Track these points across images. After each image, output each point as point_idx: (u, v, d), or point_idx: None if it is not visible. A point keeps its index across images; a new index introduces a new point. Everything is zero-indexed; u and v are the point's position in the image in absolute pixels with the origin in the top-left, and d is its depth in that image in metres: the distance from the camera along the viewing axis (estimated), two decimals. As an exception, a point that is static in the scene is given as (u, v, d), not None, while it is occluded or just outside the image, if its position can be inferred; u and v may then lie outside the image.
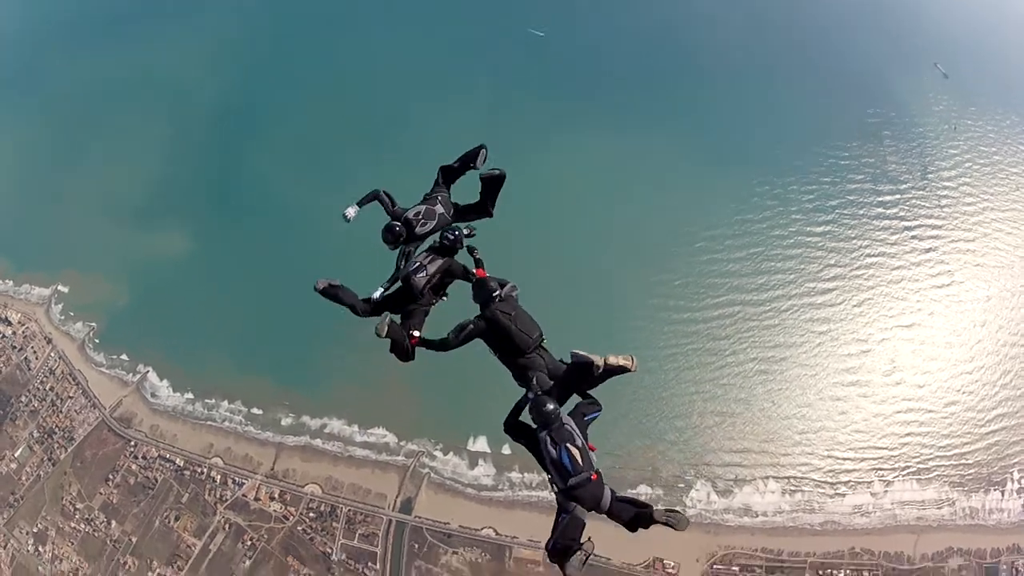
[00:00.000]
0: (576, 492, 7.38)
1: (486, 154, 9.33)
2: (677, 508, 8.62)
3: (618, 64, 57.98)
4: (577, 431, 7.28)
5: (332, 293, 8.83)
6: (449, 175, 9.55)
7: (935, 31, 63.02)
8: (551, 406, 7.28)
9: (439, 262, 8.84)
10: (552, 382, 7.85)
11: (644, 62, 58.39)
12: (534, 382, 7.73)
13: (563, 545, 7.59)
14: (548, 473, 7.51)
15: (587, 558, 7.40)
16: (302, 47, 60.10)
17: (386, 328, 8.14)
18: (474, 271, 8.99)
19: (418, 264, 8.79)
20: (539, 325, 8.14)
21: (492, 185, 9.27)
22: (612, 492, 7.50)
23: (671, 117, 53.97)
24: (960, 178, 53.79)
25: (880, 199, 51.97)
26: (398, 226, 8.92)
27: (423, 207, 9.11)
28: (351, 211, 9.22)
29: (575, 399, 7.90)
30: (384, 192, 9.32)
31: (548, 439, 7.21)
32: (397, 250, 9.16)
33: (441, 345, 8.41)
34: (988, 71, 60.50)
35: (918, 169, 53.75)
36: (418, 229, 9.00)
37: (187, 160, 54.29)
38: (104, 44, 61.02)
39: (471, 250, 9.29)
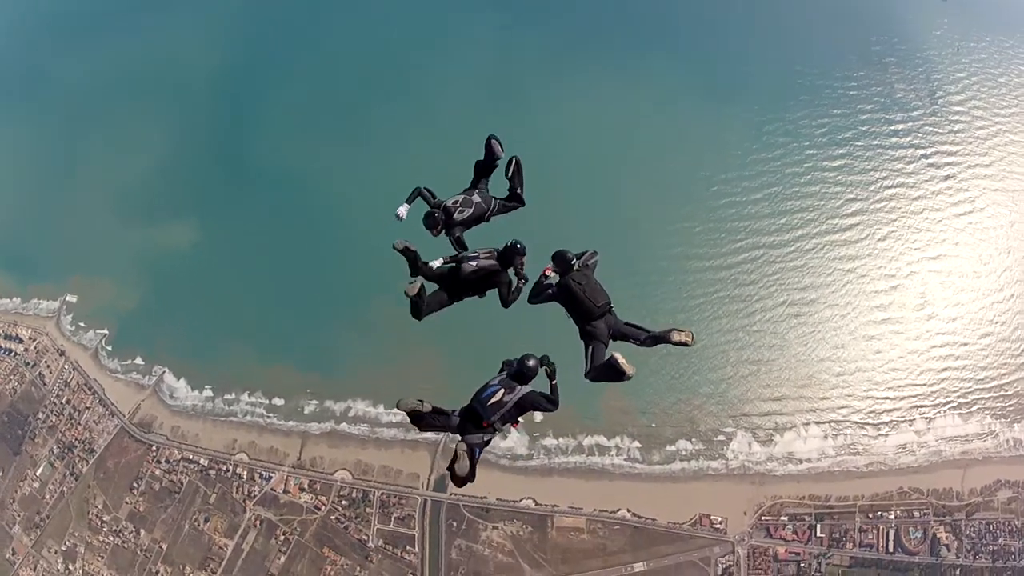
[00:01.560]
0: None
1: (500, 144, 9.71)
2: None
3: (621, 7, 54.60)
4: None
5: (411, 254, 8.92)
6: (481, 169, 9.88)
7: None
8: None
9: (492, 263, 8.99)
10: (608, 357, 8.26)
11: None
12: (590, 350, 8.51)
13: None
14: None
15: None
16: (297, 17, 56.15)
17: (416, 290, 8.55)
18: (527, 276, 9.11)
19: (476, 255, 8.99)
20: (607, 294, 8.57)
21: (514, 173, 9.72)
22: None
23: (675, 56, 50.41)
24: (970, 101, 50.74)
25: (893, 128, 48.84)
26: (437, 212, 9.21)
27: (461, 196, 9.52)
28: (402, 210, 9.49)
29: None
30: (425, 188, 9.62)
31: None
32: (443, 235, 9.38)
33: (516, 291, 8.98)
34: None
35: (926, 94, 50.63)
36: (456, 215, 9.32)
37: (190, 147, 50.55)
38: (93, 39, 57.08)
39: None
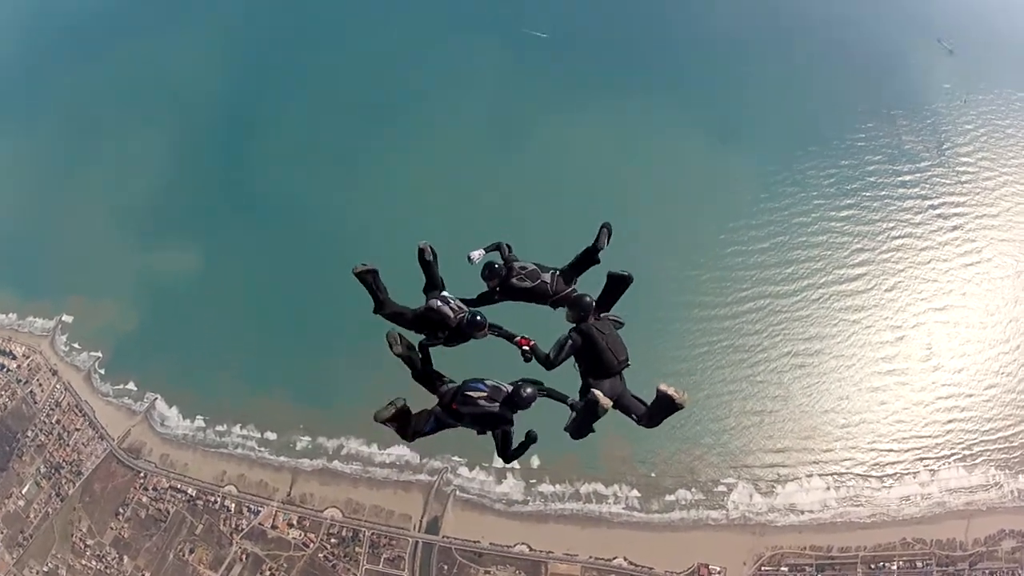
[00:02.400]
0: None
1: (609, 231, 8.75)
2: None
3: (629, 52, 53.60)
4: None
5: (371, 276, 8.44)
6: (582, 259, 8.75)
7: (937, 8, 58.93)
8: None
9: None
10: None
11: (656, 48, 54.30)
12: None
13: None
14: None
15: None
16: (301, 42, 55.41)
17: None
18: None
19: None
20: (627, 349, 7.80)
21: (616, 286, 8.42)
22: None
23: (683, 103, 49.71)
24: (978, 153, 50.16)
25: (901, 179, 48.14)
26: (498, 264, 8.70)
27: (533, 265, 8.74)
28: (476, 254, 8.92)
29: None
30: (507, 244, 9.03)
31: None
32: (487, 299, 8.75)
33: (547, 363, 7.86)
34: (993, 46, 56.63)
35: (934, 145, 49.96)
36: (515, 279, 8.63)
37: (191, 173, 49.53)
38: (97, 61, 56.37)
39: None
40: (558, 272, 8.63)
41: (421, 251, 8.54)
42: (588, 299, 7.99)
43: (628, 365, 7.75)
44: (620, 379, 7.73)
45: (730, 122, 48.91)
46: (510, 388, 7.47)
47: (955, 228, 46.56)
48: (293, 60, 54.24)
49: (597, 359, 7.64)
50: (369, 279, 8.26)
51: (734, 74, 51.99)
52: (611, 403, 7.20)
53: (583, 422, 7.44)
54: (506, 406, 7.41)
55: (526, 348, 7.92)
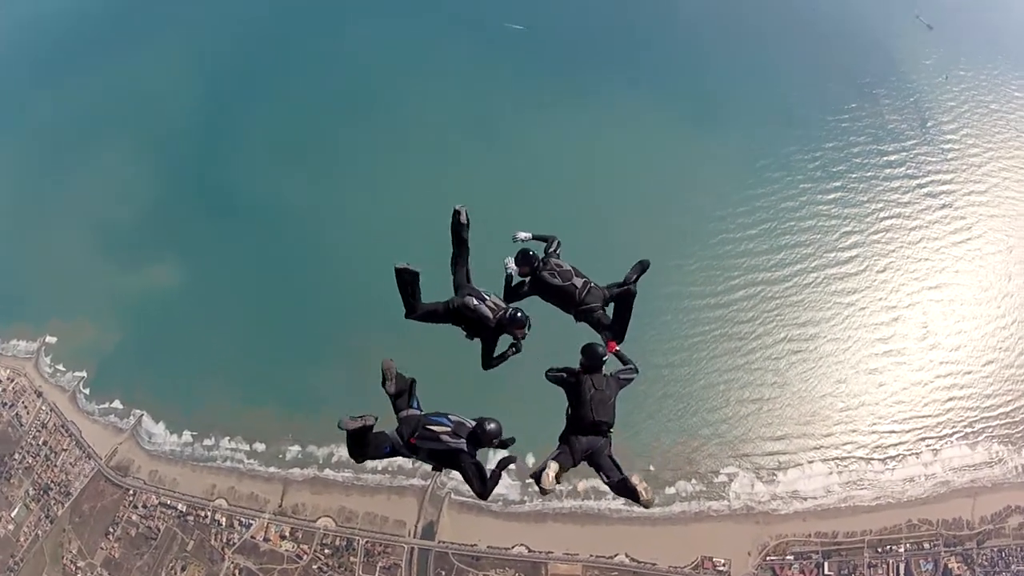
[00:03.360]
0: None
1: (643, 270, 8.58)
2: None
3: (609, 40, 52.36)
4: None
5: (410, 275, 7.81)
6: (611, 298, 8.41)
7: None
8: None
9: (489, 316, 7.82)
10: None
11: (638, 38, 52.65)
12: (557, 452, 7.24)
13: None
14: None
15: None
16: (274, 43, 53.85)
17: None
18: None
19: (485, 298, 7.90)
20: (614, 415, 7.30)
21: (623, 302, 8.31)
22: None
23: (664, 92, 48.33)
24: (962, 130, 49.27)
25: (886, 159, 47.12)
26: (532, 252, 8.34)
27: (570, 267, 8.35)
28: (523, 235, 8.63)
29: None
30: (558, 241, 8.66)
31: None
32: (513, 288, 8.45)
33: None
34: (972, 21, 55.74)
35: (918, 123, 49.01)
36: (546, 273, 8.26)
37: (170, 186, 47.79)
38: (72, 76, 54.22)
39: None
40: (592, 284, 8.21)
41: (456, 214, 8.04)
42: (600, 350, 7.51)
43: (606, 431, 7.24)
44: (602, 439, 7.25)
45: (712, 109, 47.54)
46: (473, 423, 7.09)
47: (944, 206, 45.58)
48: (266, 62, 52.76)
49: (578, 409, 7.27)
50: (408, 279, 7.73)
51: (714, 60, 50.70)
52: (553, 486, 6.80)
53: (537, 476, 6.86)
54: (470, 442, 7.02)
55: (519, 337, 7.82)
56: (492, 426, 6.95)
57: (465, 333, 8.02)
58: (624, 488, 6.90)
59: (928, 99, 50.03)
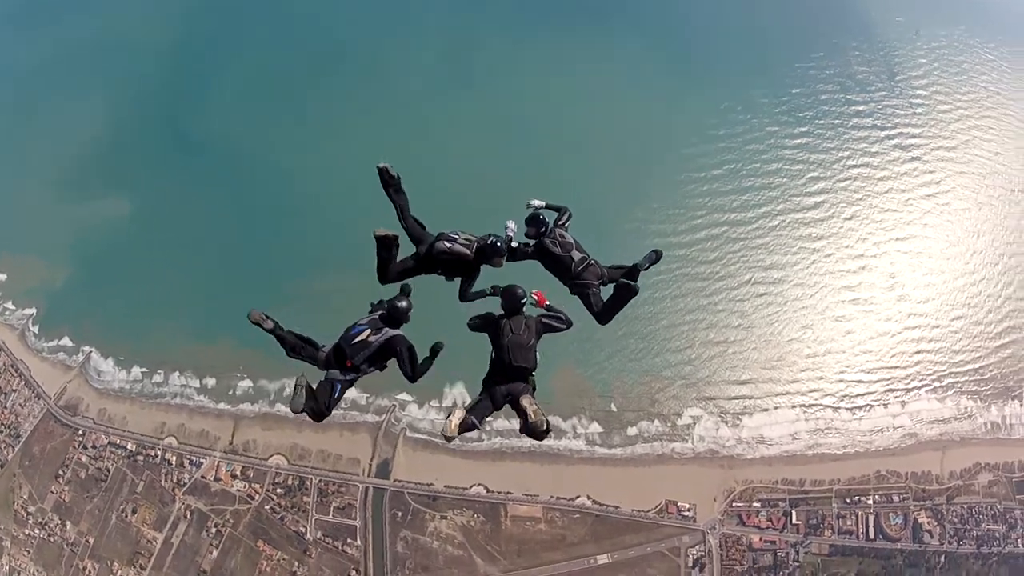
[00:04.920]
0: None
1: (656, 259, 8.24)
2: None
3: None
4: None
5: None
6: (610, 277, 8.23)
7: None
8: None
9: (465, 251, 7.74)
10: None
11: None
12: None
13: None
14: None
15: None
16: None
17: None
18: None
19: (455, 237, 7.79)
20: (535, 361, 7.26)
21: (623, 294, 7.90)
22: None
23: (630, 33, 46.42)
24: (932, 86, 47.69)
25: (854, 108, 45.67)
26: (543, 217, 8.25)
27: (572, 240, 8.28)
28: (537, 203, 8.52)
29: None
30: (569, 213, 8.61)
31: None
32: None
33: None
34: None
35: (886, 76, 47.47)
36: (548, 240, 8.15)
37: (125, 121, 45.50)
38: (33, 12, 52.48)
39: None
40: (592, 262, 8.14)
41: (382, 171, 7.73)
42: (519, 292, 7.50)
43: (525, 375, 7.19)
44: (524, 384, 7.21)
45: (679, 51, 45.95)
46: (386, 307, 7.41)
47: (913, 159, 44.25)
48: (234, 8, 50.62)
49: (496, 352, 7.28)
50: (389, 245, 7.49)
51: (683, 4, 49.23)
52: (455, 434, 6.74)
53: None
54: (389, 323, 7.30)
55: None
56: (403, 303, 7.31)
57: (444, 277, 7.90)
58: (526, 428, 6.86)
59: (898, 54, 48.48)
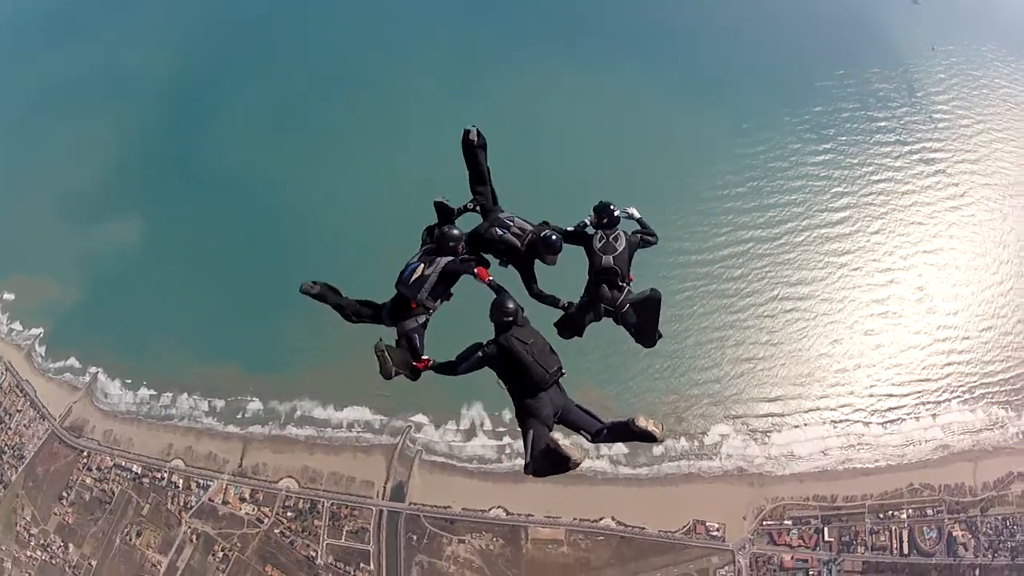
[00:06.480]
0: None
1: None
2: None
3: (598, 8, 49.51)
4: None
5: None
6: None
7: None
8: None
9: (516, 243, 7.21)
10: (548, 442, 6.14)
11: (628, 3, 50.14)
12: (530, 435, 6.23)
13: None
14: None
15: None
16: (248, 11, 51.21)
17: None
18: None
19: (510, 224, 7.30)
20: (558, 356, 6.50)
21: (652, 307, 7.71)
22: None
23: (655, 54, 45.73)
24: (952, 101, 46.58)
25: (877, 124, 44.48)
26: (613, 207, 7.48)
27: (625, 252, 7.46)
28: (635, 210, 7.96)
29: None
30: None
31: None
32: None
33: (449, 368, 6.96)
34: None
35: (906, 92, 46.40)
36: (598, 235, 7.44)
37: (134, 145, 44.78)
38: (44, 40, 52.26)
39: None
40: (626, 286, 7.68)
41: (466, 133, 7.52)
42: (509, 302, 6.64)
43: (563, 374, 6.50)
44: (558, 389, 6.51)
45: (700, 73, 44.98)
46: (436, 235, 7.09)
47: (937, 172, 43.09)
48: (245, 33, 50.04)
49: (524, 375, 6.39)
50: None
51: (702, 26, 48.11)
52: (583, 457, 6.03)
53: (546, 466, 6.13)
54: (438, 254, 6.96)
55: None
56: (454, 231, 6.96)
57: (499, 263, 7.42)
58: (626, 433, 6.37)
59: (917, 69, 47.53)
